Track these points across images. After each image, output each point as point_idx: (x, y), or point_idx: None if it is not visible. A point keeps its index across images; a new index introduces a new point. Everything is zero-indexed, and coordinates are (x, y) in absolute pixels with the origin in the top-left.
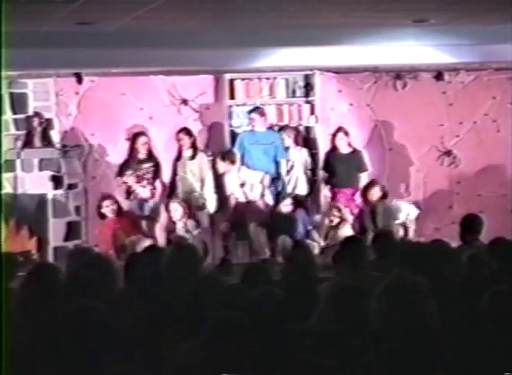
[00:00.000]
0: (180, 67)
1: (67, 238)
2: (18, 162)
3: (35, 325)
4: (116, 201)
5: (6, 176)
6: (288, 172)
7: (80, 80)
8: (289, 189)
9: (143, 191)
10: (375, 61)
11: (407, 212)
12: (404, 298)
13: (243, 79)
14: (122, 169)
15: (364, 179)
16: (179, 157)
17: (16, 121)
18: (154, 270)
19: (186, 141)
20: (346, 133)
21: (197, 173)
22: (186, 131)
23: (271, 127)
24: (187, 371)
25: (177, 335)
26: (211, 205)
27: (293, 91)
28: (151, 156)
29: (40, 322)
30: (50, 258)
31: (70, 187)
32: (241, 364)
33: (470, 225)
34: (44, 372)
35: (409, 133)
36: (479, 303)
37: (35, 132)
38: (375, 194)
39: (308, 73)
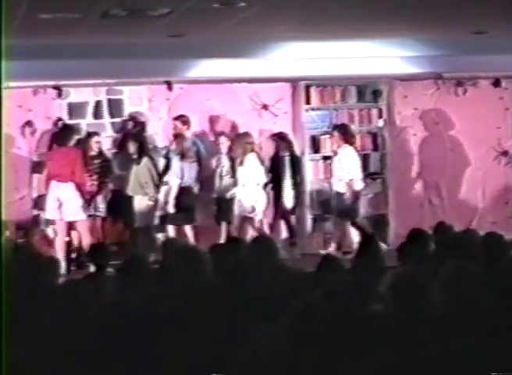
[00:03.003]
0: (261, 75)
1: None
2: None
3: (127, 311)
4: None
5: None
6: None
7: (170, 87)
8: None
9: (94, 185)
10: (438, 69)
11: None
12: (462, 287)
13: (317, 86)
14: None
15: None
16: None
17: (113, 124)
18: (236, 260)
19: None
20: None
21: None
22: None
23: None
24: (270, 356)
25: (260, 322)
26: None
27: (363, 97)
28: (101, 153)
29: (130, 308)
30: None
31: None
32: (316, 348)
33: None
34: (137, 354)
35: (469, 135)
36: None
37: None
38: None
39: (377, 80)
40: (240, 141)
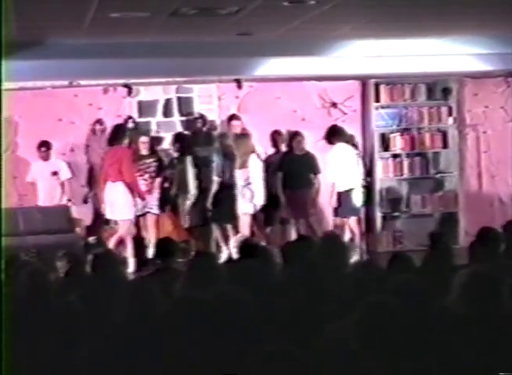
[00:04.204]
0: (330, 73)
1: None
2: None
3: (198, 307)
4: None
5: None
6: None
7: (239, 85)
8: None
9: (144, 183)
10: (509, 66)
11: None
12: None
13: (387, 84)
14: None
15: None
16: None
17: (183, 122)
18: (307, 258)
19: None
20: None
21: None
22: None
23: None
24: (338, 352)
25: (330, 319)
26: None
27: (433, 95)
28: (153, 153)
29: (201, 305)
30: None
31: None
32: (385, 346)
33: None
34: (206, 351)
35: None
36: None
37: (199, 132)
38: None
39: (447, 78)
40: (239, 142)
